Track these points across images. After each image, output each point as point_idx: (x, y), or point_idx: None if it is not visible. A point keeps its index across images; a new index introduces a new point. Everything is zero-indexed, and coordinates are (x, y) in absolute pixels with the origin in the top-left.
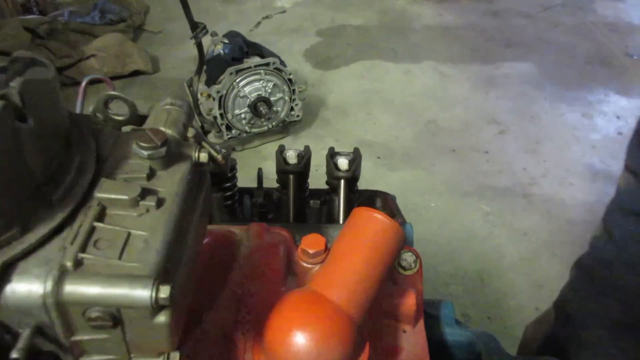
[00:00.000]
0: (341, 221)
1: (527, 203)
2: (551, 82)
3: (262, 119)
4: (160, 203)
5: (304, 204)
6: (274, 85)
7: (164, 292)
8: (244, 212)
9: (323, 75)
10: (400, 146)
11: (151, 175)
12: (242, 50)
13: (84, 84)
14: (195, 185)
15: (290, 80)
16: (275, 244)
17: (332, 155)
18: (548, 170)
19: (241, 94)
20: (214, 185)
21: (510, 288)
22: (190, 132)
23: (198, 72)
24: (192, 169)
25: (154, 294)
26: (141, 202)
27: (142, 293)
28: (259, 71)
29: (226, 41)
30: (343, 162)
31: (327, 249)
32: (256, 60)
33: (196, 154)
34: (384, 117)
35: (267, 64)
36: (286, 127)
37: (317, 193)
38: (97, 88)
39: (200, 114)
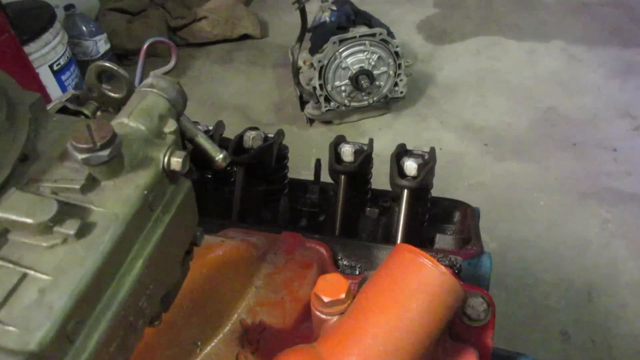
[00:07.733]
0: (399, 241)
1: None
2: None
3: (363, 93)
4: (83, 231)
5: (359, 211)
6: (379, 57)
7: None
8: (283, 213)
9: (435, 49)
10: (512, 134)
11: (89, 187)
12: (349, 18)
13: (145, 46)
14: (159, 201)
15: (396, 53)
16: (307, 264)
17: (399, 154)
18: None
19: (343, 65)
20: (256, 177)
21: (623, 310)
22: (170, 126)
23: (300, 39)
24: (156, 180)
25: None
26: (55, 229)
27: None
28: (363, 42)
29: (334, 8)
30: (411, 166)
31: (350, 296)
32: (362, 30)
33: (165, 159)
34: (497, 100)
35: (373, 35)
36: (388, 103)
37: (382, 196)
38: (208, 51)
39: (299, 83)
